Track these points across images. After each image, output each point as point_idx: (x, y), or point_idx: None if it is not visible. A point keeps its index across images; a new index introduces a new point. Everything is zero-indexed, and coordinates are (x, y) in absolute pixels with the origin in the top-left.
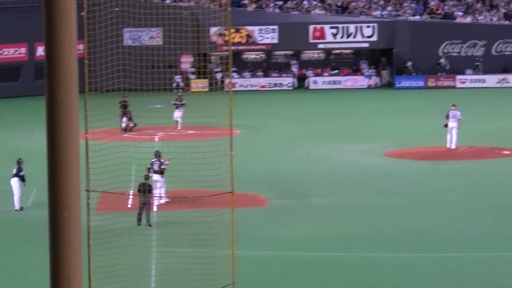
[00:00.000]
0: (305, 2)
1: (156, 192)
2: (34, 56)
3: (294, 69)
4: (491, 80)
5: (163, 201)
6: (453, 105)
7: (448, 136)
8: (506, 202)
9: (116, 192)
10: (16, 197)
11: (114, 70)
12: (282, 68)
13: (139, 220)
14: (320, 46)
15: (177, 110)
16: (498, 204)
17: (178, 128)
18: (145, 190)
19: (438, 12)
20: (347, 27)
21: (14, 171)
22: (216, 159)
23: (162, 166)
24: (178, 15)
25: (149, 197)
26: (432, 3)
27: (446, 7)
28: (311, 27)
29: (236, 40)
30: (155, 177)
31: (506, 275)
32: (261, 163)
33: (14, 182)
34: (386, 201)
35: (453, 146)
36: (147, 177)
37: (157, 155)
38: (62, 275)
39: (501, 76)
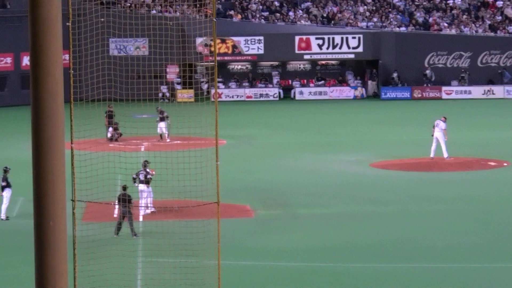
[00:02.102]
0: (290, 13)
1: (142, 202)
2: (20, 65)
3: (275, 80)
4: (477, 91)
5: (149, 211)
6: (443, 117)
7: (433, 146)
8: (493, 214)
9: (101, 202)
10: (4, 206)
11: (99, 80)
12: (269, 79)
13: (118, 229)
14: (306, 57)
15: (161, 123)
16: (485, 216)
17: (167, 140)
18: (125, 200)
19: (435, 28)
20: (333, 38)
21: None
22: (202, 169)
23: (148, 176)
24: (164, 26)
25: (129, 207)
26: (418, 14)
27: (431, 19)
28: (297, 38)
29: (222, 50)
30: (141, 187)
31: (494, 285)
32: (247, 173)
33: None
34: (374, 211)
35: (445, 156)
36: (125, 187)
37: (144, 165)
38: (48, 284)
39: (487, 88)
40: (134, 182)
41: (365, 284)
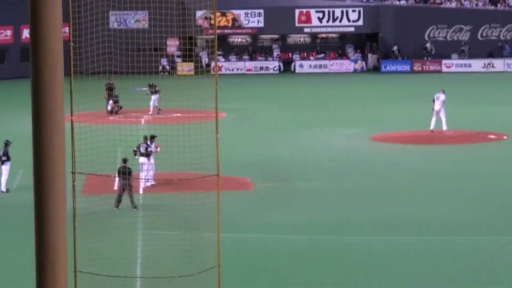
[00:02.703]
0: None
1: (143, 174)
2: (20, 38)
3: (276, 53)
4: (477, 64)
5: (149, 183)
6: (442, 90)
7: (433, 119)
8: (491, 187)
9: (101, 174)
10: (4, 179)
11: (99, 53)
12: (269, 52)
13: (118, 202)
14: (306, 30)
15: (153, 96)
16: (483, 188)
17: (149, 112)
18: (125, 172)
19: (435, 1)
20: (333, 11)
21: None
22: (202, 142)
23: (149, 149)
24: None
25: (129, 180)
26: None
27: None
28: (297, 11)
29: (222, 24)
30: (141, 159)
31: (492, 258)
32: (247, 146)
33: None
34: (373, 185)
35: (444, 128)
36: (125, 160)
37: (146, 138)
38: (47, 257)
39: (487, 61)
40: (135, 155)
41: (364, 257)
